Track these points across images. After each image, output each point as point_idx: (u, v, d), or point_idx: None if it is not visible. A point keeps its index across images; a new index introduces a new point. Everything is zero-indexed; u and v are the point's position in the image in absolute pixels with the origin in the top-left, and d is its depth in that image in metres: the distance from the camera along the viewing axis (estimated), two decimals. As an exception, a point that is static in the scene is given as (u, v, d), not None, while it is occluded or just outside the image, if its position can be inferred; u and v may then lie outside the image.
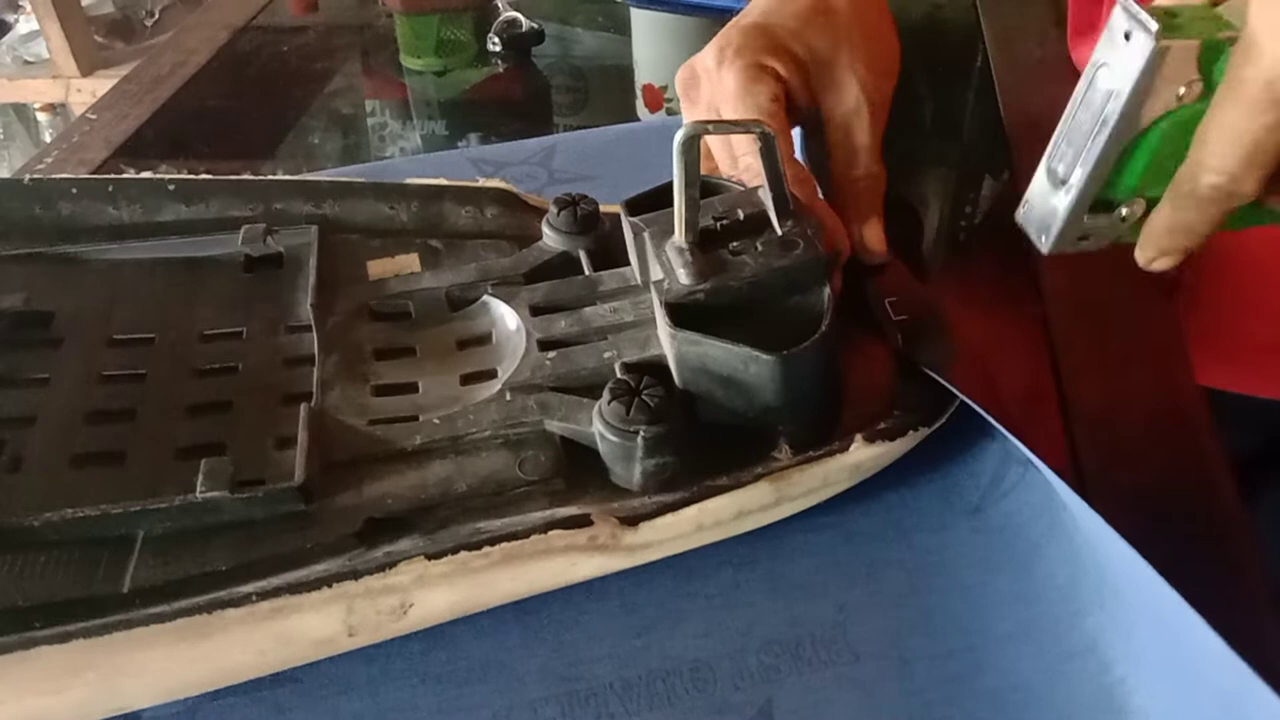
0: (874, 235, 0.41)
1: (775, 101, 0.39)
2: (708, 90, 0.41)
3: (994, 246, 0.51)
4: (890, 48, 0.44)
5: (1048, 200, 0.30)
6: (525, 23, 0.76)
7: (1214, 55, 0.26)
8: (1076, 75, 0.29)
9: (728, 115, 0.40)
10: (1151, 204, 0.30)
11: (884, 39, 0.44)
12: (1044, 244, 0.31)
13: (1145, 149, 0.28)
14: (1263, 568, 0.33)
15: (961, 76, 0.70)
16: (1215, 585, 0.33)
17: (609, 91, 0.75)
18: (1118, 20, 0.27)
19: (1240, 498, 0.35)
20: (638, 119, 0.71)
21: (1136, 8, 0.26)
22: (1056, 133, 0.30)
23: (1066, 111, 0.29)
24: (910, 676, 0.32)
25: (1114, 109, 0.27)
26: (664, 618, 0.34)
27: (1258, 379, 0.46)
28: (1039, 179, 0.31)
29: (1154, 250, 0.30)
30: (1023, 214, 0.32)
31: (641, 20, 0.81)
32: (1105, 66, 0.28)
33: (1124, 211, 0.30)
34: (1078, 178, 0.29)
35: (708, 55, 0.42)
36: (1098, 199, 0.29)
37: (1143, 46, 0.26)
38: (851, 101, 0.41)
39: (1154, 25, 0.26)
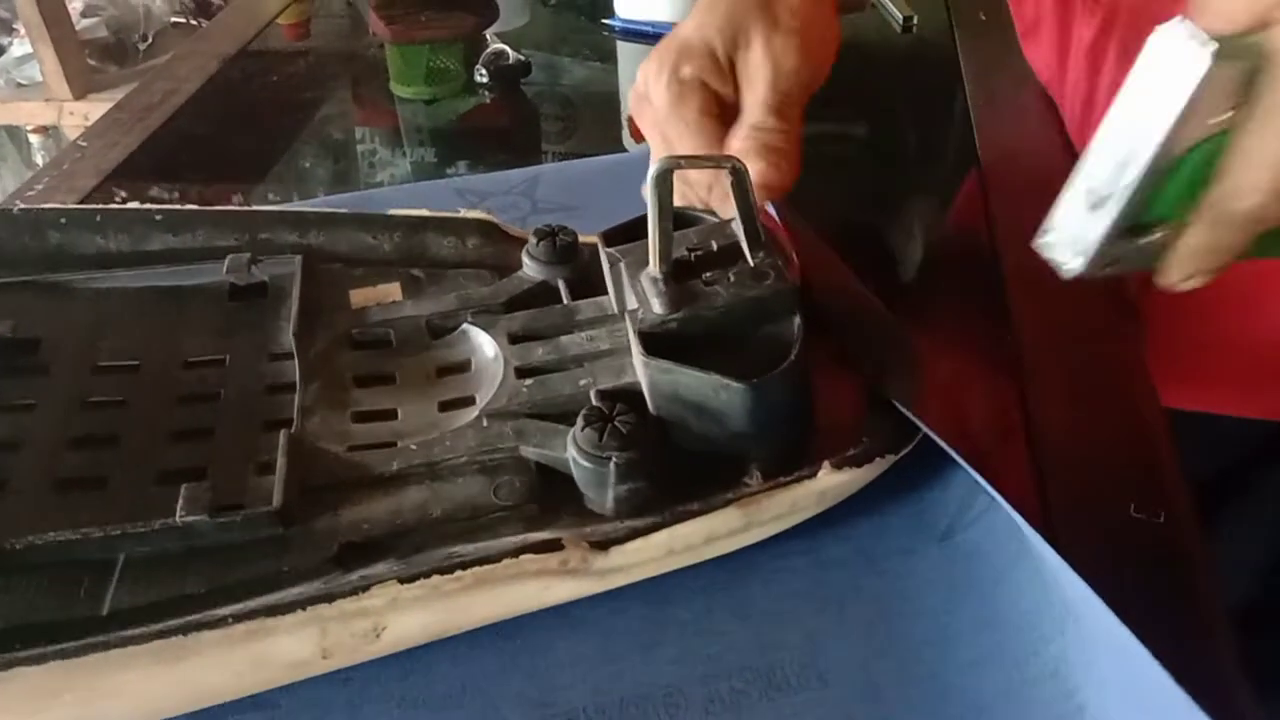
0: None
1: (703, 114, 0.39)
2: (649, 112, 0.41)
3: (966, 276, 0.52)
4: (816, 37, 0.42)
5: (1081, 222, 0.29)
6: (513, 55, 0.77)
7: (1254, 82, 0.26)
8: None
9: (669, 133, 0.40)
10: (1181, 228, 0.29)
11: (808, 28, 0.42)
12: (1076, 265, 0.30)
13: (1182, 174, 0.27)
14: (1218, 590, 0.34)
15: (941, 110, 0.71)
16: (1172, 610, 0.33)
17: (596, 121, 0.76)
18: (1166, 40, 0.26)
19: (1198, 522, 0.36)
20: (624, 149, 0.72)
21: (1192, 28, 0.25)
22: (1090, 153, 0.29)
23: (1101, 132, 0.28)
24: (879, 701, 0.32)
25: (1158, 131, 0.27)
26: (637, 644, 0.34)
27: (1218, 399, 0.47)
28: (1072, 201, 0.30)
29: (1182, 273, 0.30)
30: (1047, 240, 0.31)
31: (628, 52, 0.83)
32: (1146, 88, 0.27)
33: (1157, 235, 0.29)
34: (1115, 200, 0.28)
35: (640, 78, 0.42)
36: (1132, 223, 0.29)
37: (1195, 68, 0.25)
38: (761, 94, 0.40)
39: (1212, 45, 0.25)
